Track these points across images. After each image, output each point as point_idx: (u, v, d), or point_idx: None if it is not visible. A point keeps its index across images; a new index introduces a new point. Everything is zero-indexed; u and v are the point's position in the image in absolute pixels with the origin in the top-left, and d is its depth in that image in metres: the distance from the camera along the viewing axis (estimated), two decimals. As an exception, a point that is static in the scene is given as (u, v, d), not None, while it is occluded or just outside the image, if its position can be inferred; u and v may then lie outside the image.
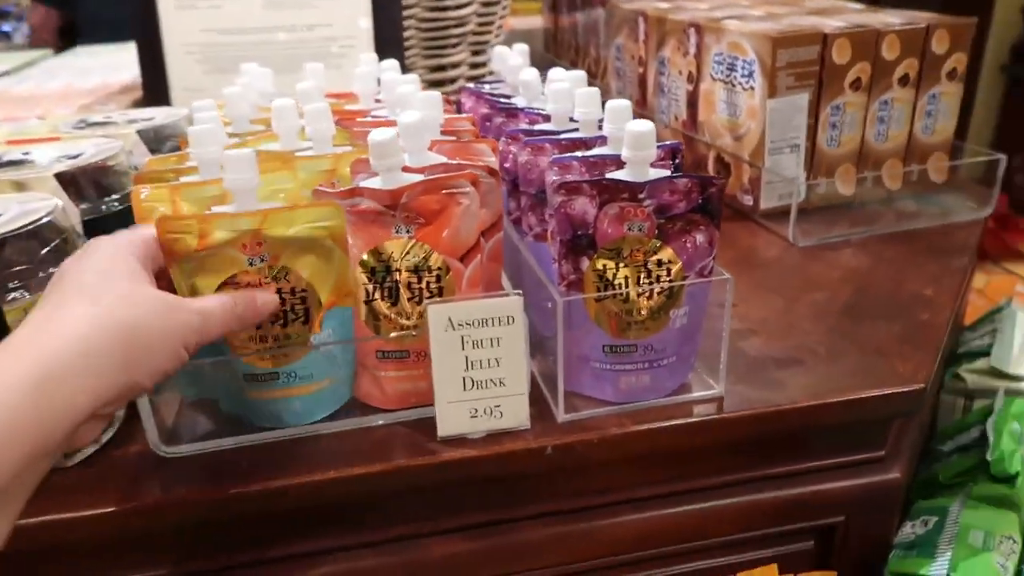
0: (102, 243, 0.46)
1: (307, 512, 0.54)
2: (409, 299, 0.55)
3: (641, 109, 1.17)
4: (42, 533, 0.49)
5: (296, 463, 0.52)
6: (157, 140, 0.75)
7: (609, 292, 0.55)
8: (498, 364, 0.54)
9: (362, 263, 0.55)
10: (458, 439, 0.54)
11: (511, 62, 0.82)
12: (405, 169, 0.56)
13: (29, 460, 0.37)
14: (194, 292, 0.51)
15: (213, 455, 0.54)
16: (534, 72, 0.76)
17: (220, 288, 0.51)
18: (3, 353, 0.38)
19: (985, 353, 0.81)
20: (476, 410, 0.54)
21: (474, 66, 1.21)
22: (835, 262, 0.81)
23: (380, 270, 0.55)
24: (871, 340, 0.65)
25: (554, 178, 0.56)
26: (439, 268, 0.55)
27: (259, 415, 0.56)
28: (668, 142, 0.60)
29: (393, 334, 0.56)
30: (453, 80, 1.17)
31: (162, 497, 0.50)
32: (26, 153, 0.65)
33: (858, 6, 1.08)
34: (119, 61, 1.31)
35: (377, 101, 0.78)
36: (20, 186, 0.59)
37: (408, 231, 0.54)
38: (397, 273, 0.55)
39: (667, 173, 0.55)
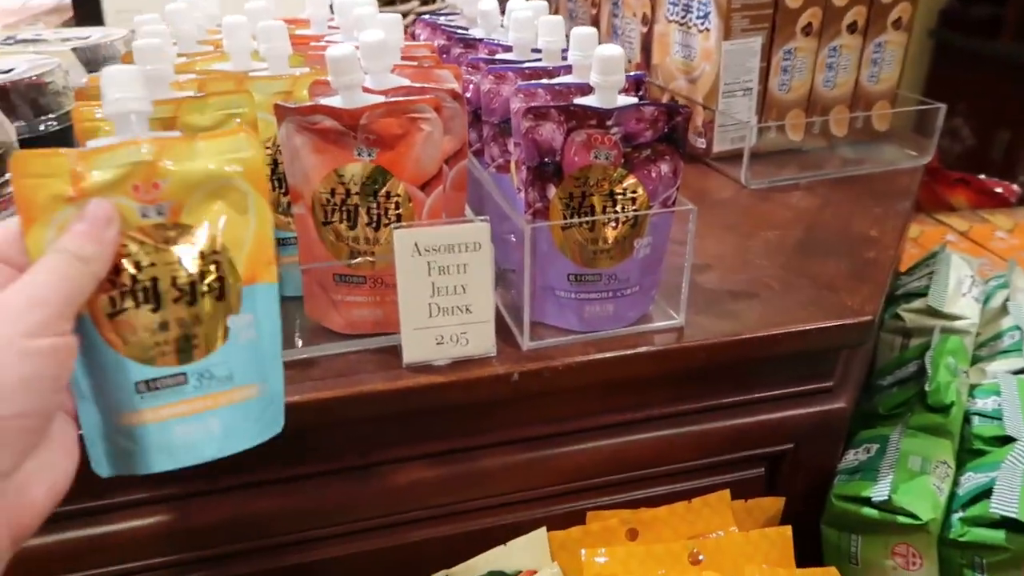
0: None
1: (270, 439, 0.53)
2: (367, 224, 0.54)
3: (594, 53, 1.16)
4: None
5: (257, 390, 0.51)
6: (94, 62, 0.70)
7: (575, 220, 0.54)
8: (464, 291, 0.53)
9: (321, 183, 0.53)
10: (424, 366, 0.54)
11: (469, -7, 0.80)
12: (365, 91, 0.54)
13: None
14: None
15: (168, 383, 0.52)
16: (493, 2, 0.74)
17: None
18: None
19: (921, 294, 0.85)
20: (442, 337, 0.54)
21: (425, 1, 1.18)
22: (785, 203, 0.82)
23: (340, 192, 0.53)
24: (821, 275, 0.67)
25: (520, 104, 0.55)
26: (399, 195, 0.53)
27: (157, 451, 0.41)
28: (633, 73, 0.60)
29: (357, 260, 0.54)
30: (404, 14, 1.14)
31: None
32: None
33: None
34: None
35: (331, 28, 0.75)
36: (-52, 100, 0.54)
37: (370, 154, 0.53)
38: (357, 197, 0.53)
39: (635, 100, 0.55)
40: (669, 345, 0.57)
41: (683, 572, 0.59)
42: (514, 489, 0.60)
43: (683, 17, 0.92)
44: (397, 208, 0.53)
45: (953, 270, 0.87)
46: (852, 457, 0.67)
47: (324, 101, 0.53)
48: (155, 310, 0.40)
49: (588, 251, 0.55)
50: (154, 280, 0.40)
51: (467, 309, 0.54)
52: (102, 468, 0.41)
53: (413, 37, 0.87)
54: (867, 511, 0.61)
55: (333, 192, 0.53)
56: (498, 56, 0.68)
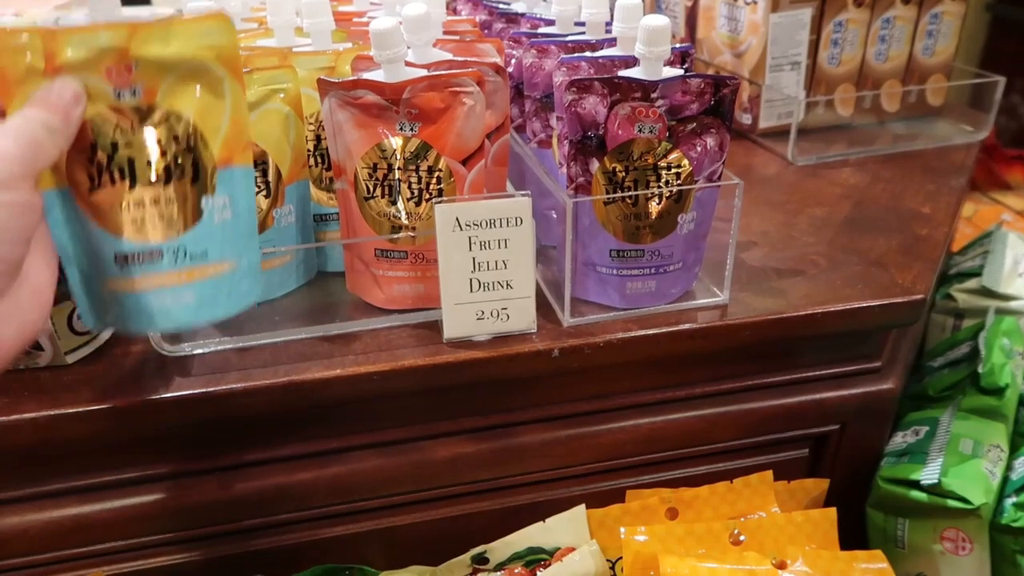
0: None
1: (312, 411, 0.54)
2: (409, 199, 0.54)
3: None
4: (37, 429, 0.48)
5: (302, 362, 0.52)
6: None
7: (618, 195, 0.54)
8: (505, 266, 0.53)
9: (363, 158, 0.53)
10: (464, 341, 0.54)
11: (511, -33, 0.79)
12: (409, 65, 0.54)
13: None
14: None
15: (217, 355, 0.53)
16: (536, -24, 0.74)
17: (77, 136, 0.40)
18: None
19: (975, 274, 0.82)
20: (483, 312, 0.54)
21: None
22: (833, 180, 0.80)
23: (382, 167, 0.53)
24: (871, 253, 0.65)
25: (563, 78, 0.54)
26: (441, 170, 0.53)
27: (137, 315, 0.43)
28: (679, 44, 0.59)
29: (398, 235, 0.54)
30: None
31: (166, 394, 0.49)
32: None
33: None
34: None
35: (373, 4, 0.75)
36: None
37: (412, 128, 0.53)
38: (399, 171, 0.53)
39: (680, 72, 0.53)
40: (712, 323, 0.56)
41: (724, 551, 0.58)
42: (553, 466, 0.60)
43: (729, -11, 0.90)
44: (439, 183, 0.53)
45: (1009, 249, 0.84)
46: (900, 439, 0.66)
47: (367, 76, 0.53)
48: (131, 188, 0.42)
49: (631, 226, 0.55)
50: (130, 160, 0.42)
51: (508, 284, 0.53)
52: (89, 321, 0.44)
53: (454, 13, 0.87)
54: (916, 494, 0.60)
55: (375, 167, 0.53)
56: (540, 30, 0.67)
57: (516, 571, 0.57)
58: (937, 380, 0.72)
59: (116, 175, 0.42)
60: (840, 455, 0.66)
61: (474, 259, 0.52)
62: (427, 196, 0.54)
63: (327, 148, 0.56)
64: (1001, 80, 0.90)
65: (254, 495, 0.55)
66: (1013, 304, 0.77)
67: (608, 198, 0.54)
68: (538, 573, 0.57)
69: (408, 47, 0.54)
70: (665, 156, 0.53)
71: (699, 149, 0.54)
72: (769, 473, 0.63)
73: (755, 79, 0.89)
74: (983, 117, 0.93)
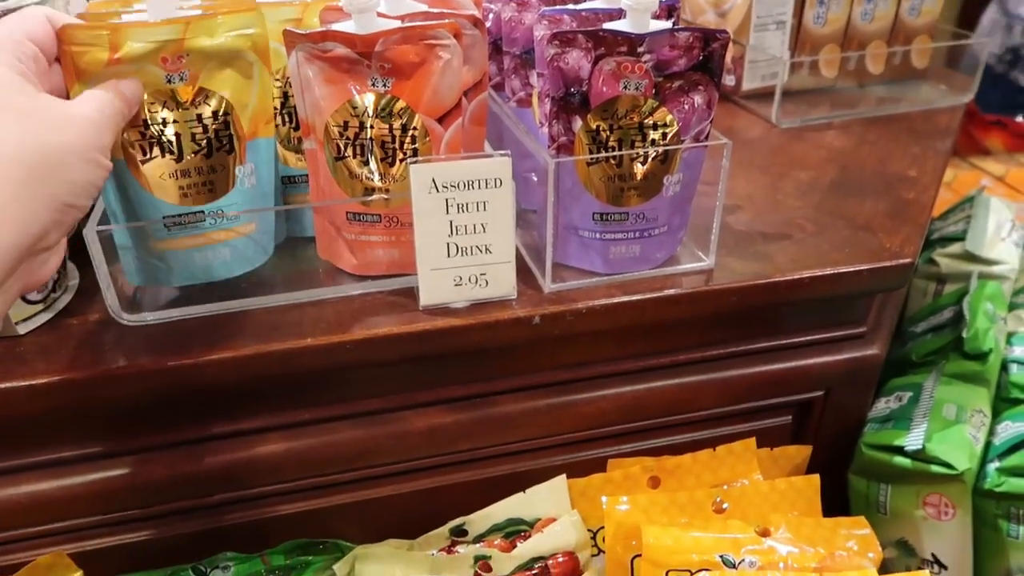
0: None
1: (282, 382, 0.52)
2: (382, 159, 0.51)
3: (617, -14, 1.11)
4: (-7, 403, 0.45)
5: (270, 331, 0.49)
6: None
7: (602, 155, 0.51)
8: (484, 230, 0.51)
9: (334, 115, 0.50)
10: (441, 308, 0.52)
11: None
12: (381, 16, 0.51)
13: None
14: None
15: (179, 323, 0.50)
16: (515, -74, 0.70)
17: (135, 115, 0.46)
18: None
19: (958, 239, 0.81)
20: (460, 278, 0.52)
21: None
22: (819, 143, 0.79)
23: (353, 125, 0.50)
24: (858, 217, 0.64)
25: (544, 31, 0.51)
26: (416, 128, 0.51)
27: (183, 270, 0.50)
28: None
29: (371, 197, 0.52)
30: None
31: (125, 366, 0.47)
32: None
33: None
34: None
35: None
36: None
37: (385, 84, 0.50)
38: (371, 129, 0.51)
39: (668, 25, 0.51)
40: (698, 288, 0.54)
41: (707, 520, 0.57)
42: (534, 435, 0.59)
43: (713, -55, 0.87)
44: (413, 142, 0.51)
45: (992, 213, 0.83)
46: (883, 405, 0.65)
47: (336, 27, 0.50)
48: (178, 160, 0.48)
49: (615, 188, 0.53)
50: (177, 135, 0.48)
51: (487, 249, 0.51)
52: (134, 279, 0.50)
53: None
54: (899, 460, 0.59)
55: (346, 125, 0.50)
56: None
57: (496, 542, 0.56)
58: (920, 345, 0.71)
59: (166, 147, 0.47)
60: (824, 422, 0.65)
61: (451, 222, 0.50)
62: (401, 156, 0.51)
63: (295, 105, 0.53)
64: (985, 42, 0.89)
65: (222, 469, 0.52)
66: (996, 268, 0.77)
67: (592, 158, 0.51)
68: (518, 544, 0.56)
69: (380, -3, 0.51)
70: (651, 114, 0.51)
71: (686, 107, 0.52)
72: (752, 440, 0.62)
73: (739, 39, 0.87)
74: (967, 80, 0.91)
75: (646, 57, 0.50)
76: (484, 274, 0.52)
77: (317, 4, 0.54)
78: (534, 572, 0.55)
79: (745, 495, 0.59)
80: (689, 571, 0.54)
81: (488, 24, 0.62)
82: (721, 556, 0.54)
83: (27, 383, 0.46)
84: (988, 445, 0.61)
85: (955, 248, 0.80)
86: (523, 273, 0.55)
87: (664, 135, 0.52)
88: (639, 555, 0.55)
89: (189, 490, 0.53)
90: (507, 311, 0.52)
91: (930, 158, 0.75)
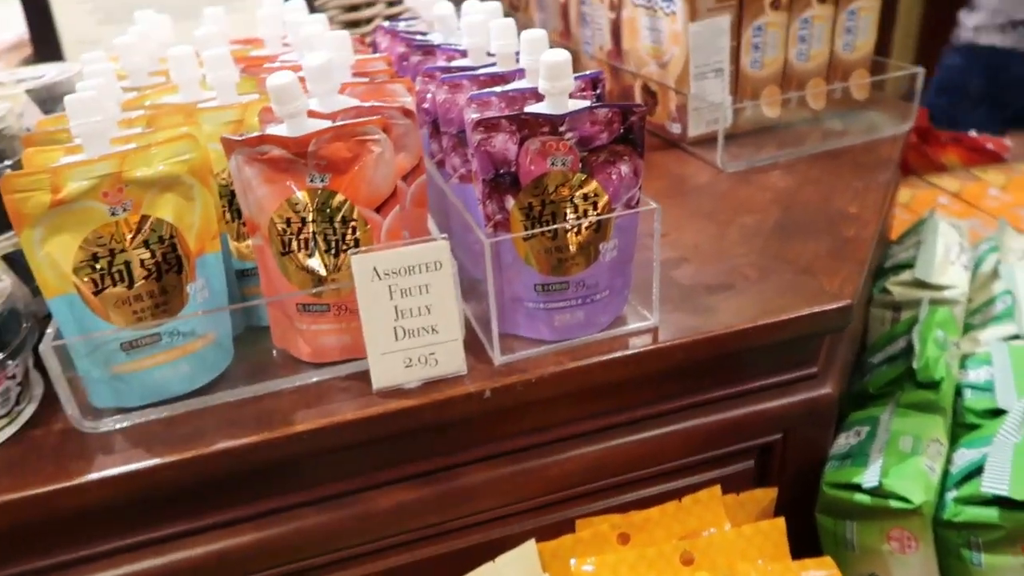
0: None
1: (247, 474, 0.53)
2: (326, 251, 0.53)
3: (565, 40, 1.15)
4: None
5: (231, 426, 0.51)
6: (51, 100, 0.70)
7: (536, 230, 0.53)
8: (429, 311, 0.52)
9: (276, 213, 0.52)
10: (395, 390, 0.53)
11: (425, -3, 0.79)
12: (313, 115, 0.53)
13: None
14: (50, 259, 0.48)
15: (140, 427, 0.52)
16: (449, 6, 0.73)
17: (80, 250, 0.48)
18: None
19: (910, 265, 0.83)
20: (410, 359, 0.53)
21: (391, 3, 1.16)
22: (764, 184, 0.81)
23: (295, 221, 0.52)
24: (799, 259, 0.66)
25: (473, 116, 0.54)
26: (355, 220, 0.53)
27: (145, 390, 0.52)
28: (588, 72, 0.59)
29: (319, 289, 0.54)
30: (369, 20, 1.12)
31: (88, 475, 0.48)
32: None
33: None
34: (1, 17, 1.21)
35: (285, 45, 0.74)
36: None
37: (322, 179, 0.52)
38: (313, 224, 0.53)
39: (587, 103, 0.53)
40: (643, 348, 0.56)
41: (676, 574, 0.58)
42: (501, 503, 0.60)
43: (649, 1, 0.90)
44: (354, 233, 0.53)
45: (940, 238, 0.85)
46: (843, 441, 0.66)
47: (272, 129, 0.52)
48: (129, 287, 0.50)
49: (553, 259, 0.54)
50: (126, 263, 0.49)
51: (433, 329, 0.53)
52: (101, 401, 0.52)
53: (374, 45, 0.86)
54: (859, 497, 0.60)
55: (289, 221, 0.52)
56: (455, 63, 0.67)
57: (469, 614, 0.57)
58: (877, 377, 0.72)
59: (116, 278, 0.49)
60: (786, 462, 0.66)
61: (396, 307, 0.52)
62: (344, 247, 0.53)
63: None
64: (920, 71, 0.92)
65: (193, 565, 0.53)
66: (947, 293, 0.79)
67: (527, 234, 0.53)
68: (491, 614, 0.57)
69: (312, 96, 0.53)
70: (580, 187, 0.53)
71: (614, 177, 0.54)
72: (717, 488, 0.63)
73: (680, 88, 0.89)
74: (908, 107, 0.94)
75: (569, 135, 0.52)
76: (433, 353, 0.53)
77: (256, 104, 0.57)
78: (509, 640, 0.56)
79: (712, 545, 0.60)
80: (660, 628, 0.54)
81: (427, 105, 0.64)
82: (689, 610, 0.55)
83: (-9, 500, 0.47)
84: (946, 474, 0.62)
85: (906, 275, 0.82)
86: (475, 346, 0.57)
87: (595, 205, 0.54)
88: (609, 615, 0.56)
89: (163, 588, 0.54)
90: (459, 387, 0.53)
91: (872, 191, 0.78)
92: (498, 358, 0.55)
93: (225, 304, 0.55)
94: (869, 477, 0.60)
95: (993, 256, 0.86)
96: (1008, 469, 0.57)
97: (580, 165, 0.53)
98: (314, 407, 0.52)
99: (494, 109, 0.56)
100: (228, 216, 0.58)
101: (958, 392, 0.69)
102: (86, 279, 0.49)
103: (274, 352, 0.58)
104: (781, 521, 0.61)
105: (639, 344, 0.56)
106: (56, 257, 0.48)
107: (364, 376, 0.54)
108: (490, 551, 0.58)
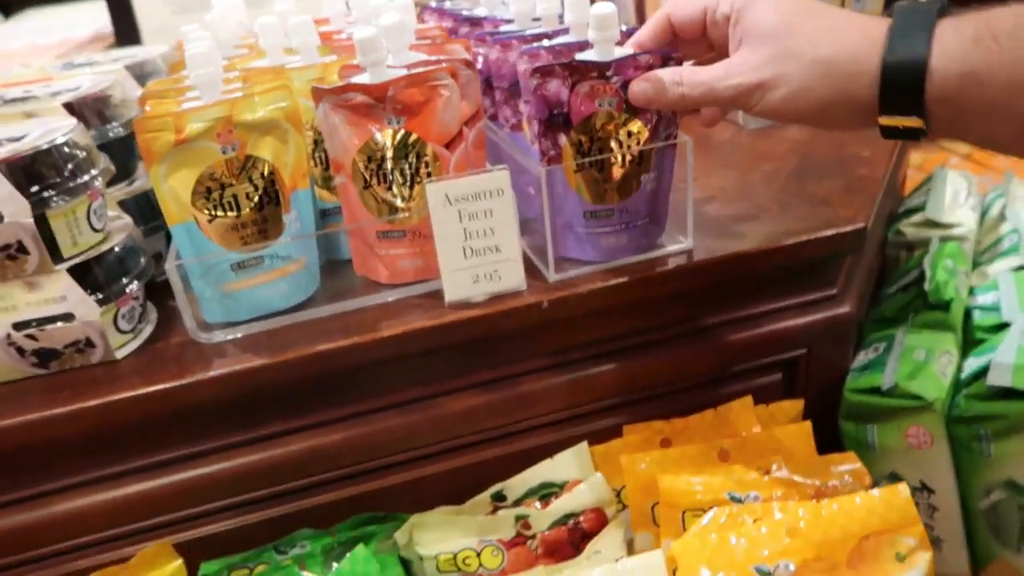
0: None
1: (337, 378, 0.61)
2: (402, 184, 0.61)
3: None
4: (97, 415, 0.55)
5: (324, 335, 0.59)
6: (143, 75, 0.79)
7: (585, 160, 0.61)
8: (492, 233, 0.60)
9: (359, 152, 0.60)
10: (463, 303, 0.61)
11: (469, -24, 0.87)
12: (389, 67, 0.61)
13: None
14: (173, 192, 0.56)
15: (247, 338, 0.60)
16: (492, -19, 0.81)
17: (197, 183, 0.56)
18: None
19: (921, 209, 0.90)
20: (477, 276, 0.61)
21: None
22: (781, 138, 0.88)
23: (375, 158, 0.60)
24: (816, 195, 0.73)
25: (525, 66, 0.62)
26: (428, 155, 0.61)
27: (249, 306, 0.60)
28: (627, 26, 0.66)
29: (397, 216, 0.62)
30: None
31: (206, 374, 0.56)
32: (27, 91, 0.69)
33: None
34: (74, 20, 1.32)
35: (348, 23, 0.82)
36: (31, 116, 0.63)
37: (398, 122, 0.60)
38: (391, 161, 0.61)
39: (631, 51, 0.61)
40: (681, 265, 0.63)
41: (714, 467, 0.65)
42: (556, 409, 0.67)
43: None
44: (427, 166, 0.61)
45: (949, 184, 0.92)
46: (862, 357, 0.73)
47: (353, 79, 0.60)
48: (237, 216, 0.58)
49: (600, 188, 0.62)
50: (234, 196, 0.57)
51: (496, 249, 0.61)
52: (212, 317, 0.60)
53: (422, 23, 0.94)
54: (878, 399, 0.67)
55: (369, 159, 0.61)
56: (501, 29, 0.75)
57: (532, 504, 0.64)
58: (892, 303, 0.79)
59: (226, 207, 0.57)
60: (810, 376, 0.73)
61: (464, 229, 0.60)
62: (418, 179, 0.61)
63: (324, 150, 0.63)
64: (926, 33, 0.99)
65: (292, 459, 0.61)
66: (955, 231, 0.85)
67: (578, 163, 0.61)
68: (552, 504, 0.64)
69: (387, 51, 0.61)
70: (625, 125, 0.61)
71: (654, 116, 0.61)
72: (749, 398, 0.70)
73: (703, 56, 0.97)
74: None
75: (615, 79, 0.60)
76: (496, 270, 0.61)
77: (335, 64, 0.65)
78: (568, 527, 0.63)
79: (746, 444, 0.67)
80: (702, 509, 0.61)
81: (479, 65, 0.72)
82: (729, 494, 0.62)
83: (126, 395, 0.55)
84: (957, 381, 0.69)
85: (918, 217, 0.88)
86: (530, 270, 0.64)
87: (637, 140, 0.61)
88: (658, 502, 0.63)
89: (265, 480, 0.62)
90: (519, 300, 0.61)
91: (881, 139, 0.84)
92: (552, 276, 0.63)
93: (313, 232, 0.63)
94: (887, 380, 0.67)
95: (1000, 202, 0.93)
96: (1011, 364, 0.63)
97: (624, 105, 0.60)
98: (395, 319, 0.60)
99: (543, 60, 0.63)
100: (313, 163, 0.66)
101: (967, 315, 0.76)
102: (202, 209, 0.57)
103: (354, 279, 0.66)
104: (807, 424, 0.67)
105: (676, 262, 0.64)
106: (177, 190, 0.56)
107: (435, 295, 0.62)
108: (547, 452, 0.66)
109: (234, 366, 0.56)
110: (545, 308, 0.61)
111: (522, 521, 0.63)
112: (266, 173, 0.58)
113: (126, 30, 0.96)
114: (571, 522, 0.64)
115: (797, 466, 0.64)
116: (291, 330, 0.60)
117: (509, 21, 0.75)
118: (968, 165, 1.22)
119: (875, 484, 0.59)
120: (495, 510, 0.64)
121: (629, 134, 0.61)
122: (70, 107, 0.64)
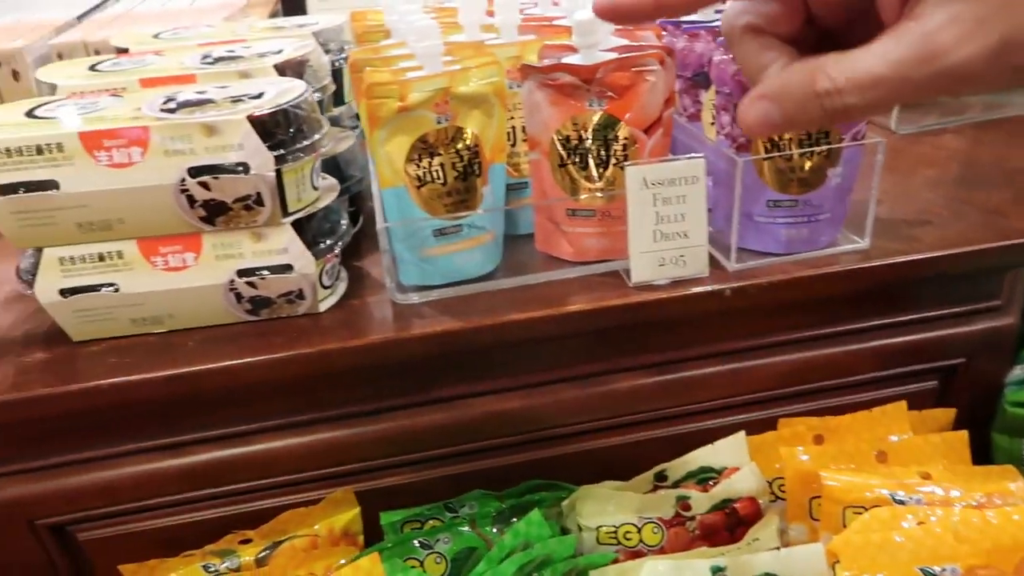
0: None
1: (521, 349, 0.63)
2: (597, 165, 0.63)
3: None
4: (310, 363, 0.58)
5: (516, 304, 0.61)
6: (324, 43, 0.81)
7: (775, 153, 0.62)
8: (683, 219, 0.62)
9: (558, 131, 0.62)
10: (647, 285, 0.63)
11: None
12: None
13: None
14: (389, 157, 0.58)
15: (442, 301, 0.62)
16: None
17: (411, 149, 0.58)
18: None
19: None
20: (663, 259, 0.63)
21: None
22: (937, 145, 0.88)
23: (574, 138, 0.62)
24: (987, 204, 0.73)
25: (723, 55, 0.63)
26: (626, 138, 0.62)
27: (445, 271, 0.63)
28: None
29: (584, 196, 0.64)
30: None
31: (406, 333, 0.59)
32: (231, 51, 0.72)
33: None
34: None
35: (555, 4, 0.84)
36: (246, 76, 0.66)
37: (600, 104, 0.62)
38: (588, 141, 0.63)
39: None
40: (860, 264, 0.64)
41: (873, 467, 0.66)
42: (715, 396, 0.69)
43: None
44: (624, 149, 0.62)
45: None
46: (1020, 371, 0.73)
47: (565, 59, 0.62)
48: (443, 184, 0.60)
49: (785, 179, 0.63)
50: (442, 164, 0.60)
51: (685, 235, 0.62)
52: (409, 279, 0.63)
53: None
54: (1041, 414, 0.67)
55: (568, 138, 0.63)
56: (687, 17, 0.76)
57: (692, 486, 0.66)
58: (1048, 320, 0.79)
59: (434, 175, 0.60)
60: (965, 386, 0.73)
61: (657, 213, 0.61)
62: (613, 162, 0.63)
63: (516, 125, 0.65)
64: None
65: (473, 421, 0.64)
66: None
67: (767, 156, 0.62)
68: (711, 489, 0.66)
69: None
70: (817, 120, 0.62)
71: (847, 112, 0.62)
72: (903, 403, 0.71)
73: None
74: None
75: (815, 73, 0.61)
76: (683, 256, 0.63)
77: (533, 44, 0.67)
78: (725, 511, 0.65)
79: (903, 447, 0.68)
80: (863, 507, 0.63)
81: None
82: (891, 494, 0.63)
83: (338, 346, 0.58)
84: (1121, 401, 0.69)
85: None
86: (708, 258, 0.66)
87: (827, 134, 0.62)
88: (817, 496, 0.64)
89: (445, 439, 0.65)
90: (702, 286, 0.62)
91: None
92: (732, 265, 0.64)
93: (502, 207, 0.65)
94: (1052, 396, 0.67)
95: None
96: None
97: (820, 100, 0.61)
98: (581, 294, 0.62)
99: (739, 52, 0.65)
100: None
101: None
102: (413, 175, 0.60)
103: (528, 254, 0.68)
104: (964, 434, 0.68)
105: (854, 262, 0.65)
106: (393, 155, 0.59)
107: (615, 275, 0.64)
108: (704, 438, 0.67)
109: (434, 327, 0.59)
110: (727, 296, 0.62)
111: (682, 502, 0.65)
112: (472, 145, 0.61)
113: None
114: (728, 507, 0.65)
115: (957, 475, 0.65)
116: (482, 297, 0.63)
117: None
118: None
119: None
120: (655, 489, 0.66)
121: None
122: (280, 68, 0.67)
